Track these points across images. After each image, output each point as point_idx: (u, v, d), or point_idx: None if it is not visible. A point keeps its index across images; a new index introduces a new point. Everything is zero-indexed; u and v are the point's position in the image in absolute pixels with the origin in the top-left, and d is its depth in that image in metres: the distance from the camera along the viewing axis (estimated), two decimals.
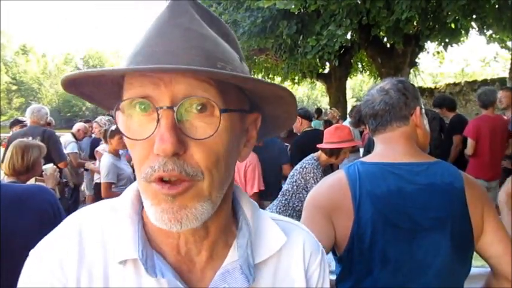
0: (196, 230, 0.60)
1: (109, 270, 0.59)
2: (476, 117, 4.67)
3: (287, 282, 0.68)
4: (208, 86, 0.52)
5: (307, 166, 3.10)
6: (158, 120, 0.51)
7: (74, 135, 6.33)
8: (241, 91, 0.60)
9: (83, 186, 6.58)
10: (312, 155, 3.24)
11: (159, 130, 0.51)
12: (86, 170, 6.26)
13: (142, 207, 0.64)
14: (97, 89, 0.62)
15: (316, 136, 4.17)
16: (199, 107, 0.53)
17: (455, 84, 11.09)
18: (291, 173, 3.21)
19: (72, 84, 0.57)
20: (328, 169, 3.35)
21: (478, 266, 1.85)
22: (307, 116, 4.74)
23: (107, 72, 0.52)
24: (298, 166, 3.17)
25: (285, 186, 3.21)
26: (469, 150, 4.41)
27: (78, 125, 6.64)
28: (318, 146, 3.22)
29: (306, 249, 0.71)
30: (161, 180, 0.52)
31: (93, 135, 6.78)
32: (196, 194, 0.54)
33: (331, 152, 3.10)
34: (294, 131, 4.69)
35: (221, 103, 0.54)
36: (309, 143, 4.13)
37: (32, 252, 0.62)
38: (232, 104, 0.57)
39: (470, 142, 4.36)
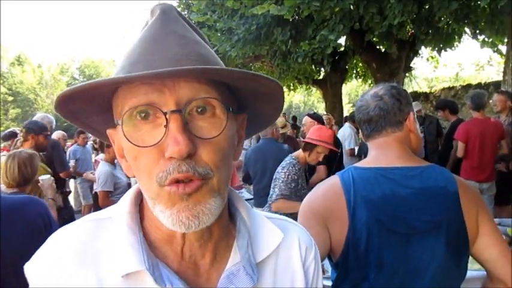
0: (203, 232, 0.61)
1: (110, 285, 0.57)
2: (466, 121, 4.78)
3: (287, 276, 0.70)
4: (209, 88, 0.55)
5: (284, 165, 3.10)
6: (166, 125, 0.52)
7: None
8: (231, 92, 0.61)
9: (80, 196, 6.55)
10: (290, 154, 3.24)
11: (169, 134, 0.52)
12: (74, 177, 6.20)
13: (141, 216, 0.64)
14: (88, 106, 0.60)
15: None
16: (199, 109, 0.54)
17: (450, 88, 11.14)
18: (274, 177, 3.18)
19: (65, 100, 0.56)
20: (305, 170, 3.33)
21: (475, 269, 1.86)
22: (322, 120, 4.78)
23: (106, 81, 0.51)
24: (279, 168, 3.15)
25: (270, 191, 3.19)
26: (459, 153, 4.52)
27: (57, 133, 6.44)
28: (299, 140, 3.24)
29: (301, 244, 0.74)
30: (175, 182, 0.53)
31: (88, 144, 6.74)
32: (208, 190, 0.55)
33: (305, 147, 3.12)
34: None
35: (224, 103, 0.56)
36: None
37: (25, 268, 0.61)
38: (229, 104, 0.58)
39: (460, 145, 4.49)
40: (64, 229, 0.64)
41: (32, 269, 0.61)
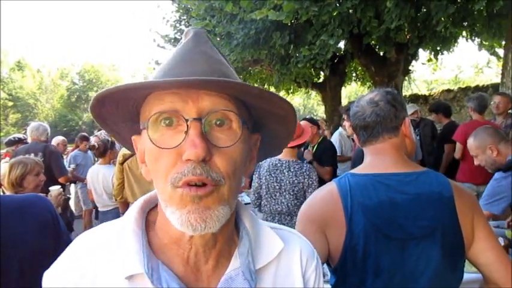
0: (208, 239, 0.65)
1: (118, 285, 0.62)
2: (466, 123, 4.76)
3: (286, 284, 0.73)
4: (228, 102, 0.61)
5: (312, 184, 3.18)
6: (187, 131, 0.57)
7: None
8: (248, 111, 0.67)
9: (80, 201, 6.55)
10: (305, 163, 3.29)
11: (188, 138, 0.57)
12: (74, 182, 6.20)
13: (146, 222, 0.69)
14: (117, 111, 0.67)
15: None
16: (218, 122, 0.60)
17: (449, 90, 11.16)
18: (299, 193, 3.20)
19: (98, 102, 0.63)
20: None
21: (471, 271, 1.87)
22: (318, 124, 4.83)
23: (136, 85, 0.57)
24: (308, 188, 3.17)
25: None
26: (456, 154, 4.52)
27: (56, 139, 6.42)
28: (288, 146, 3.35)
29: (302, 255, 0.77)
30: (188, 184, 0.57)
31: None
32: (218, 198, 0.59)
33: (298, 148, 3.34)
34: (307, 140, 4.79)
35: (240, 117, 0.62)
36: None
37: (45, 274, 0.66)
38: (245, 119, 0.64)
39: (458, 146, 4.48)
40: (80, 240, 0.70)
41: (50, 279, 0.65)
